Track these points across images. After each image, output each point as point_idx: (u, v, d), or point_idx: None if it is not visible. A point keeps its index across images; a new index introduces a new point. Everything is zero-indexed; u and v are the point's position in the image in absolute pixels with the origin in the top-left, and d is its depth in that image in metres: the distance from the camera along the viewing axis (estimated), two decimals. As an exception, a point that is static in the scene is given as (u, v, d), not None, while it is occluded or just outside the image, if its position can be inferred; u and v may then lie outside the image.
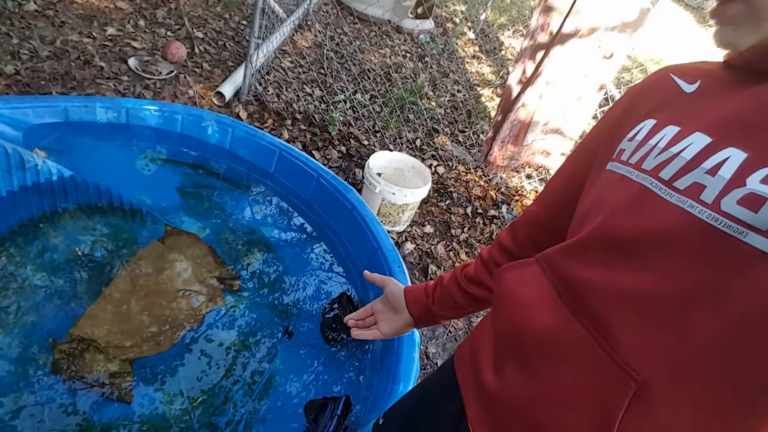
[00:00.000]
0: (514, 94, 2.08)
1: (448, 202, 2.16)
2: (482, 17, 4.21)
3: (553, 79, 2.00)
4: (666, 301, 0.36)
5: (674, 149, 0.39)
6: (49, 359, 0.99)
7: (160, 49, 2.33)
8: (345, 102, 2.52)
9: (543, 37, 1.92)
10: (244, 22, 2.94)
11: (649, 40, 4.63)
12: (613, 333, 0.38)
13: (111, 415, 0.95)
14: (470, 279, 0.68)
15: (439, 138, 2.55)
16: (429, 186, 1.81)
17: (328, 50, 2.95)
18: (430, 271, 1.79)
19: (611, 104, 0.56)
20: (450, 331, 1.61)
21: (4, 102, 1.35)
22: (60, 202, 1.30)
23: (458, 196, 2.21)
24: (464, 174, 2.36)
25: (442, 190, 2.21)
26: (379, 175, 1.89)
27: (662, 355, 0.36)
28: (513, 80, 2.09)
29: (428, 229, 1.98)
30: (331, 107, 2.42)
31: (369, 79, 2.83)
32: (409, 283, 1.21)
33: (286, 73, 2.58)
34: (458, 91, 3.09)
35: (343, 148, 2.21)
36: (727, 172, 0.35)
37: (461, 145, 2.55)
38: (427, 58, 3.37)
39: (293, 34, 2.96)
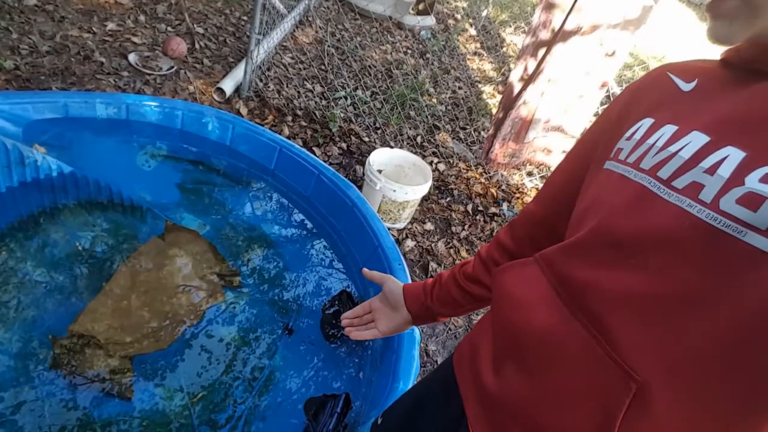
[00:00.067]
0: (516, 91, 2.07)
1: (448, 199, 2.16)
2: (484, 14, 4.19)
3: (555, 77, 1.99)
4: (666, 301, 0.36)
5: (672, 148, 0.39)
6: (49, 354, 0.99)
7: (160, 45, 2.32)
8: (346, 98, 2.51)
9: (545, 35, 1.91)
10: (245, 18, 2.93)
11: (651, 38, 4.61)
12: (612, 333, 0.38)
13: (111, 410, 0.95)
14: (469, 277, 0.68)
15: (440, 135, 2.55)
16: (430, 183, 1.81)
17: (329, 46, 2.93)
18: (430, 269, 1.79)
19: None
20: (450, 329, 1.61)
21: (3, 97, 1.35)
22: (60, 198, 1.30)
23: (459, 193, 2.21)
24: (465, 171, 2.35)
25: (442, 187, 2.21)
26: (380, 172, 1.88)
27: (662, 355, 0.36)
28: (514, 77, 2.08)
29: (429, 226, 1.98)
30: (332, 104, 2.42)
31: (370, 75, 2.82)
32: (410, 281, 1.21)
33: (287, 69, 2.57)
34: (459, 88, 3.08)
35: (344, 145, 2.21)
36: (725, 171, 0.35)
37: (462, 142, 2.54)
38: (428, 55, 3.36)
39: (294, 30, 2.95)
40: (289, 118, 2.24)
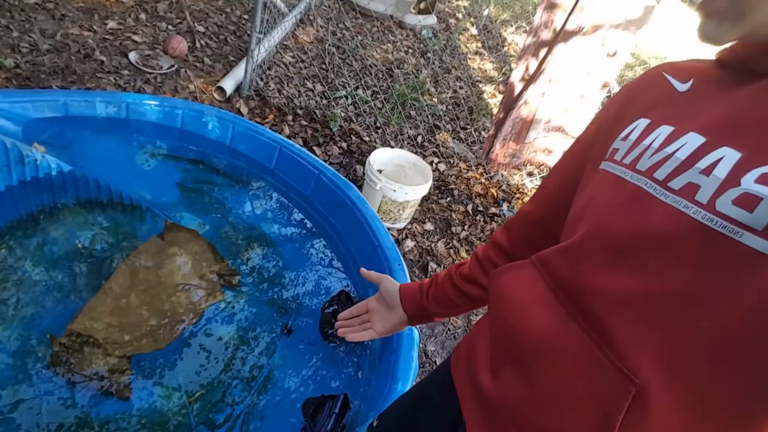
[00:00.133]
0: (517, 91, 2.07)
1: (448, 199, 2.16)
2: (485, 13, 4.18)
3: (556, 77, 1.98)
4: (665, 302, 0.36)
5: (668, 149, 0.39)
6: (48, 352, 0.99)
7: (161, 43, 2.32)
8: (346, 98, 2.51)
9: (546, 35, 1.91)
10: (246, 17, 2.93)
11: (653, 38, 4.60)
12: (612, 335, 0.38)
13: (109, 409, 0.95)
14: (465, 277, 0.68)
15: (441, 135, 2.54)
16: (430, 183, 1.81)
17: (329, 45, 2.93)
18: (430, 269, 1.79)
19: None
20: (449, 329, 1.61)
21: (3, 96, 1.35)
22: (59, 197, 1.30)
23: (459, 193, 2.21)
24: (465, 171, 2.35)
25: (443, 188, 2.20)
26: (380, 171, 1.88)
27: (662, 356, 0.36)
28: (516, 77, 2.08)
29: (429, 226, 1.98)
30: (333, 103, 2.41)
31: (371, 74, 2.82)
32: (409, 281, 1.20)
33: (288, 68, 2.57)
34: (460, 88, 3.08)
35: (344, 145, 2.21)
36: (721, 172, 0.35)
37: (463, 142, 2.54)
38: (429, 54, 3.36)
39: (295, 29, 2.94)
40: (290, 117, 2.23)
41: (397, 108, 2.55)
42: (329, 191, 1.53)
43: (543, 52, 1.93)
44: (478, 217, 2.12)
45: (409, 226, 1.93)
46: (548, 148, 2.33)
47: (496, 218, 2.15)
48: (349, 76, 2.70)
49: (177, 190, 1.50)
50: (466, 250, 1.94)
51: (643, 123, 0.44)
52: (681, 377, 0.35)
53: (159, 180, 1.50)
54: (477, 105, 2.93)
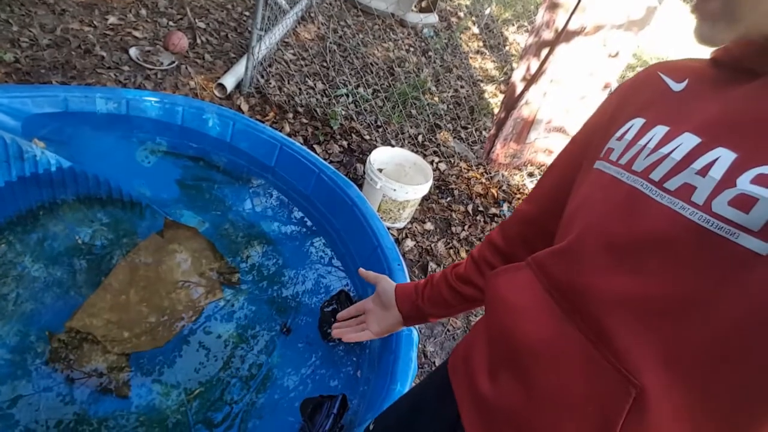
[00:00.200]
0: (518, 91, 2.06)
1: (449, 199, 2.16)
2: (487, 12, 4.17)
3: (558, 77, 1.98)
4: (662, 304, 0.36)
5: (664, 150, 0.39)
6: (46, 349, 0.99)
7: (161, 39, 2.31)
8: (347, 96, 2.51)
9: (548, 35, 1.90)
10: (247, 13, 2.92)
11: (655, 39, 4.59)
12: (610, 336, 0.38)
13: (107, 406, 0.95)
14: (460, 278, 0.67)
15: (442, 134, 2.54)
16: (430, 183, 1.81)
17: (331, 43, 2.92)
18: (429, 269, 1.79)
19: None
20: (448, 330, 1.61)
21: (3, 91, 1.34)
22: (59, 194, 1.30)
23: (459, 193, 2.20)
24: (466, 171, 2.35)
25: (443, 187, 2.20)
26: (381, 170, 1.88)
27: (661, 357, 0.36)
28: (517, 77, 2.08)
29: (429, 226, 1.98)
30: (333, 101, 2.41)
31: (372, 73, 2.81)
32: (408, 281, 1.20)
33: (289, 66, 2.56)
34: (461, 87, 3.07)
35: (345, 143, 2.20)
36: (717, 173, 0.35)
37: (463, 142, 2.54)
38: (430, 53, 3.35)
39: (296, 26, 2.93)
40: (290, 115, 2.23)
41: (398, 107, 2.54)
42: (329, 190, 1.53)
43: (545, 52, 1.92)
44: (478, 217, 2.12)
45: (409, 226, 1.93)
46: (549, 148, 2.33)
47: (496, 218, 2.15)
48: (350, 74, 2.69)
49: (177, 187, 1.49)
50: (466, 250, 1.94)
51: (638, 123, 0.44)
52: (681, 378, 0.35)
53: (159, 177, 1.49)
54: (478, 104, 2.92)
